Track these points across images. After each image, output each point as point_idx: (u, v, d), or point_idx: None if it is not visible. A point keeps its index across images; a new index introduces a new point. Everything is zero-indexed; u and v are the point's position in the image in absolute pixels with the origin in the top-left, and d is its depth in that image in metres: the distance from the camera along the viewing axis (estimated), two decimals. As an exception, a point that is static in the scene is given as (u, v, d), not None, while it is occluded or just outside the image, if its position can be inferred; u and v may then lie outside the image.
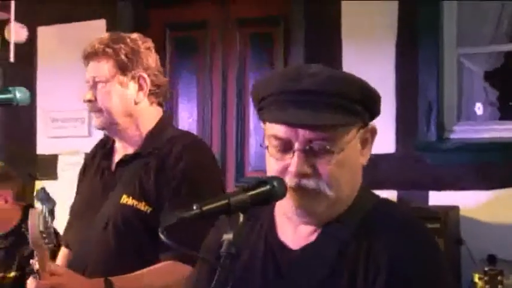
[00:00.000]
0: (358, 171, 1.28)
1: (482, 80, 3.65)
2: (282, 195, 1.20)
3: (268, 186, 1.17)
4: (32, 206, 3.43)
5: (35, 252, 1.58)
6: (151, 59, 1.94)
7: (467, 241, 3.16)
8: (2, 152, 4.41)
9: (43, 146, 4.31)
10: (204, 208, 1.13)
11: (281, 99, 1.22)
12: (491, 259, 2.93)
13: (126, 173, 1.89)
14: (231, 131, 3.95)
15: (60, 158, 4.20)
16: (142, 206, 1.80)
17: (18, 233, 3.15)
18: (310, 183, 1.21)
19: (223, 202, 1.14)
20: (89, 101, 1.91)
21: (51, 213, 1.59)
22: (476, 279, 2.71)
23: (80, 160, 4.17)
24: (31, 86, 3.98)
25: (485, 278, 2.69)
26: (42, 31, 4.30)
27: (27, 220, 3.43)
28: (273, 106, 1.23)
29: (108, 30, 4.12)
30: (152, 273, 1.74)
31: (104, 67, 1.89)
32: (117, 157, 1.97)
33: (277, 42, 3.82)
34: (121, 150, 1.97)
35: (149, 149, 1.88)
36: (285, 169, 1.22)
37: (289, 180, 1.21)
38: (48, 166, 4.20)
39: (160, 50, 2.07)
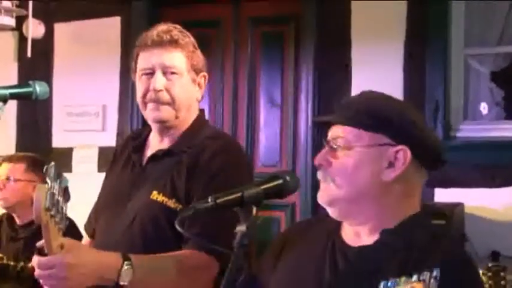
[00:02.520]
0: (368, 180, 1.35)
1: (489, 80, 3.70)
2: (293, 189, 1.27)
3: (280, 180, 1.24)
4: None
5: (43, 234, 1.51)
6: (203, 58, 1.91)
7: (471, 237, 3.18)
8: (18, 144, 4.49)
9: (58, 139, 4.37)
10: (219, 201, 1.19)
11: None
12: (495, 255, 2.98)
13: (157, 169, 1.83)
14: (241, 128, 4.01)
15: (75, 151, 4.26)
16: (172, 204, 1.76)
17: (38, 224, 3.21)
18: (320, 174, 1.36)
19: (237, 195, 1.20)
20: (159, 90, 1.81)
21: (64, 193, 1.50)
22: (480, 275, 2.76)
23: (94, 153, 4.27)
24: (48, 81, 4.02)
25: (489, 274, 2.72)
26: (59, 28, 4.35)
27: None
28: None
29: (122, 27, 4.20)
30: (170, 257, 1.71)
31: (180, 58, 1.82)
32: (149, 151, 1.90)
33: (288, 41, 3.87)
34: (155, 144, 1.90)
35: (183, 147, 1.83)
36: None
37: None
38: (63, 159, 4.25)
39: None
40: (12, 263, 3.15)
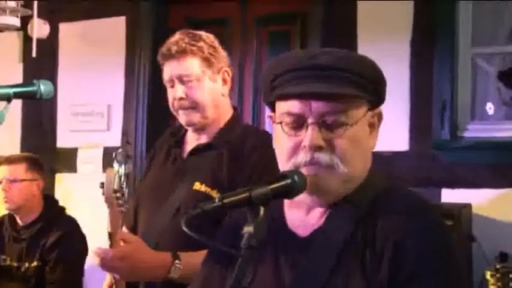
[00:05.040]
0: (368, 152, 1.30)
1: (496, 79, 3.66)
2: (302, 189, 1.22)
3: (288, 180, 1.19)
4: (51, 197, 3.50)
5: (108, 213, 1.68)
6: (225, 54, 2.03)
7: (479, 238, 3.16)
8: (23, 144, 4.48)
9: (63, 139, 4.36)
10: (225, 200, 1.16)
11: (297, 75, 1.25)
12: (503, 256, 2.96)
13: (198, 162, 1.96)
14: (247, 127, 4.01)
15: (79, 151, 4.25)
16: (214, 194, 1.86)
17: (40, 224, 3.20)
18: (323, 157, 1.22)
19: (244, 195, 1.16)
20: (181, 98, 1.96)
21: (127, 177, 1.65)
22: (488, 276, 2.73)
23: (99, 153, 4.25)
24: (53, 81, 3.98)
25: (497, 275, 2.70)
26: (64, 27, 4.35)
27: (49, 211, 3.50)
28: (288, 82, 1.26)
29: (128, 27, 4.19)
30: None
31: (193, 65, 1.95)
32: (188, 146, 2.04)
33: (294, 40, 3.86)
34: (193, 140, 2.03)
35: (222, 141, 1.96)
36: (297, 146, 1.24)
37: (303, 156, 1.23)
38: (68, 159, 4.26)
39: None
40: (15, 264, 3.15)
